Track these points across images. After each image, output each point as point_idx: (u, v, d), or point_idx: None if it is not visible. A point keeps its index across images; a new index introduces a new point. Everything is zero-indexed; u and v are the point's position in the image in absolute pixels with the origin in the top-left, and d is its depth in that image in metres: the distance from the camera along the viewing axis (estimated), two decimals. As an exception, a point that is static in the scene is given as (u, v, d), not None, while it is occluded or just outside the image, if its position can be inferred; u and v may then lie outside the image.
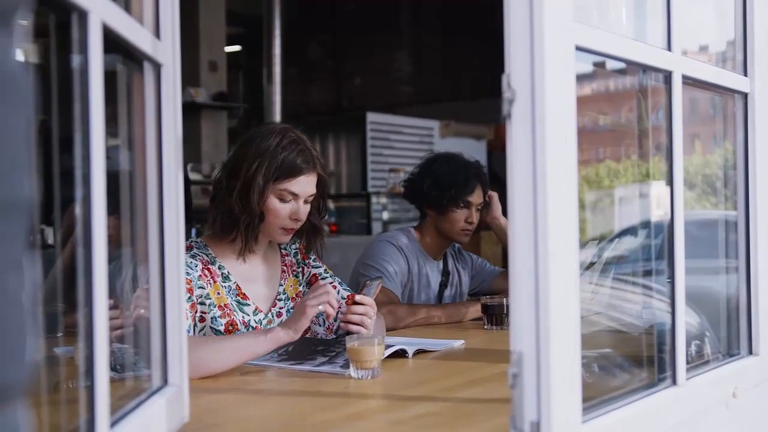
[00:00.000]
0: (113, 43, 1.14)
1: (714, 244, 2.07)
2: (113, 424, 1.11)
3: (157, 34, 1.37)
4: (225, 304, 2.21)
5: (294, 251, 2.46)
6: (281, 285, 2.38)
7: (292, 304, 2.37)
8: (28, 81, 0.60)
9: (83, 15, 1.01)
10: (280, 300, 2.36)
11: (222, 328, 2.18)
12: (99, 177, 1.04)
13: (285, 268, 2.41)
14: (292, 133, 2.28)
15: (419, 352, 2.21)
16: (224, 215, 2.23)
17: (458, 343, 2.37)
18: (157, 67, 1.37)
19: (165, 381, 1.39)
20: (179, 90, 1.43)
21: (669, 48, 1.53)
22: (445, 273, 3.18)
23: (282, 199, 2.22)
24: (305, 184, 2.24)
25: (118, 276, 1.43)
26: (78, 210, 1.03)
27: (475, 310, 2.85)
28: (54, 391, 1.29)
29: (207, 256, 2.24)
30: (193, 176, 6.91)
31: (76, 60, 1.04)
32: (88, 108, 1.02)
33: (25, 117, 0.59)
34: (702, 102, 2.06)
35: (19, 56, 0.60)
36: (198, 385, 1.74)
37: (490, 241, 6.67)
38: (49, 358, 1.42)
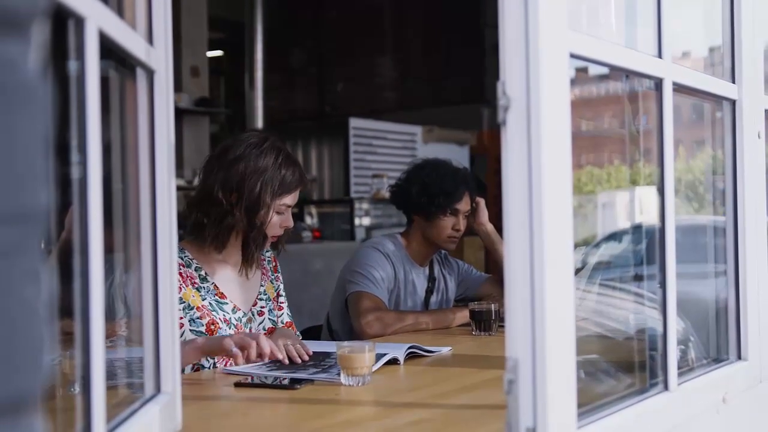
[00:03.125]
0: (107, 49, 1.13)
1: (698, 249, 2.08)
2: (108, 432, 1.10)
3: (150, 40, 1.37)
4: (202, 305, 2.27)
5: (268, 259, 2.54)
6: (262, 285, 2.46)
7: (272, 305, 2.47)
8: (46, 89, 0.60)
9: (80, 21, 1.00)
10: (261, 299, 2.44)
11: (203, 329, 2.25)
12: (95, 182, 1.03)
13: (264, 270, 2.50)
14: (279, 145, 2.36)
15: (411, 357, 2.21)
16: (226, 231, 2.29)
17: (446, 350, 2.38)
18: (150, 73, 1.36)
19: (158, 389, 1.38)
20: (172, 96, 1.43)
21: (659, 55, 1.54)
22: (431, 279, 3.18)
23: (278, 213, 2.33)
24: (297, 196, 2.37)
25: (106, 281, 1.42)
26: (74, 217, 1.03)
27: (462, 316, 2.86)
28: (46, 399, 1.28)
29: (182, 259, 2.26)
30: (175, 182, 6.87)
31: (71, 66, 1.03)
32: (84, 114, 1.02)
33: (42, 125, 0.59)
34: (683, 107, 2.08)
35: (36, 64, 0.60)
36: (190, 394, 1.73)
37: (473, 247, 6.69)
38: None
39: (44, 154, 0.59)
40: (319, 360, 2.16)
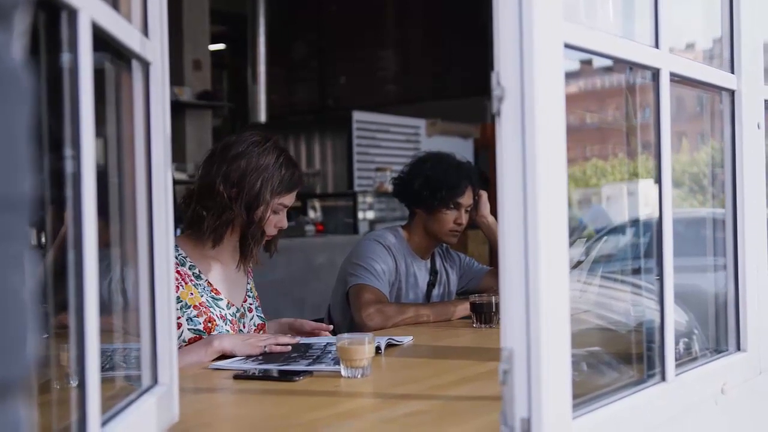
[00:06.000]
0: (101, 41, 1.13)
1: (701, 241, 2.08)
2: (104, 423, 1.11)
3: (145, 32, 1.37)
4: (200, 303, 2.30)
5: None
6: (249, 284, 2.51)
7: (257, 303, 2.52)
8: (28, 79, 0.60)
9: (73, 13, 1.00)
10: (249, 296, 2.49)
11: (201, 326, 2.27)
12: (89, 177, 1.03)
13: (250, 270, 2.54)
14: (281, 146, 2.40)
15: (389, 346, 2.26)
16: (224, 225, 2.31)
17: (407, 339, 2.41)
18: (145, 65, 1.36)
19: (155, 380, 1.39)
20: (168, 89, 1.43)
21: (657, 45, 1.54)
22: (433, 272, 3.18)
23: (275, 212, 2.36)
24: (294, 197, 2.41)
25: (106, 276, 1.43)
26: (68, 211, 1.03)
27: (463, 308, 2.86)
28: (41, 391, 1.29)
29: (176, 258, 2.28)
30: (177, 176, 6.89)
31: (64, 58, 1.03)
32: (77, 107, 1.02)
33: (25, 114, 0.59)
34: (688, 100, 2.07)
35: (19, 53, 0.60)
36: (188, 385, 1.73)
37: (477, 240, 6.69)
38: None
39: (27, 142, 0.60)
40: (303, 352, 2.16)
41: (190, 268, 2.32)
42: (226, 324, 2.32)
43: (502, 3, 1.19)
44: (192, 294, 2.29)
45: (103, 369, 1.14)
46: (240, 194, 2.29)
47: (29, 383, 0.62)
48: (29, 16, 0.65)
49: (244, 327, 2.40)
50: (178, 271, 2.26)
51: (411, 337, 2.44)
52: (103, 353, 1.30)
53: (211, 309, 2.30)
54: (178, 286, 2.24)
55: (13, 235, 0.58)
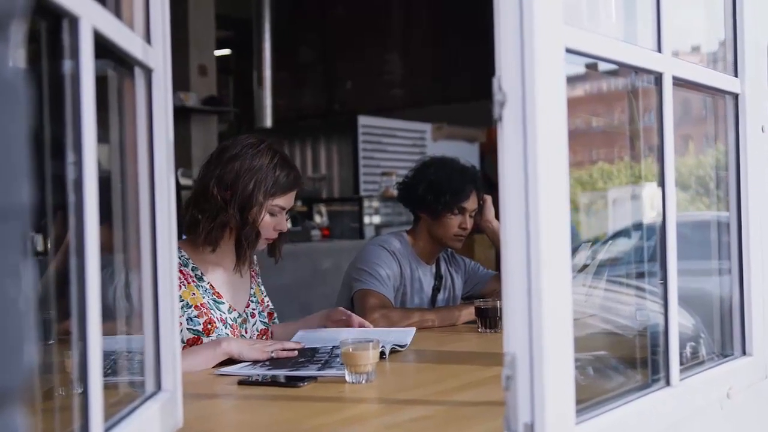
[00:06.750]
0: (103, 48, 1.13)
1: (707, 245, 2.07)
2: (107, 429, 1.11)
3: (147, 39, 1.37)
4: (201, 304, 2.30)
5: (255, 264, 2.59)
6: (252, 288, 2.50)
7: (261, 307, 2.51)
8: (25, 88, 0.60)
9: (74, 21, 1.01)
10: (252, 302, 2.48)
11: (200, 327, 2.28)
12: (91, 183, 1.03)
13: (253, 274, 2.54)
14: (276, 148, 2.39)
15: (393, 352, 2.25)
16: (219, 227, 2.31)
17: (410, 334, 2.42)
18: (148, 72, 1.37)
19: (158, 387, 1.39)
20: (170, 95, 1.43)
21: (659, 49, 1.54)
22: (438, 277, 3.17)
23: (272, 214, 2.35)
24: (292, 199, 2.40)
25: (111, 283, 1.43)
26: (70, 217, 1.03)
27: (468, 313, 2.86)
28: (46, 398, 1.29)
29: (179, 258, 2.28)
30: (183, 181, 6.89)
31: (66, 65, 1.04)
32: (79, 113, 1.02)
33: (22, 123, 0.59)
34: (694, 103, 2.07)
35: (16, 63, 0.60)
36: (191, 391, 1.73)
37: (483, 245, 6.67)
38: (41, 365, 1.42)
39: (25, 152, 0.60)
40: (311, 357, 2.16)
41: (192, 270, 2.33)
42: (226, 327, 2.31)
43: (503, 7, 1.19)
44: (194, 294, 2.29)
45: (105, 374, 1.14)
46: (234, 196, 2.29)
47: (27, 391, 0.62)
48: (26, 24, 0.65)
49: (246, 332, 2.40)
50: (180, 271, 2.27)
51: (413, 329, 2.46)
52: (107, 357, 1.31)
53: (212, 311, 2.30)
54: (180, 285, 2.24)
55: (11, 244, 0.58)
